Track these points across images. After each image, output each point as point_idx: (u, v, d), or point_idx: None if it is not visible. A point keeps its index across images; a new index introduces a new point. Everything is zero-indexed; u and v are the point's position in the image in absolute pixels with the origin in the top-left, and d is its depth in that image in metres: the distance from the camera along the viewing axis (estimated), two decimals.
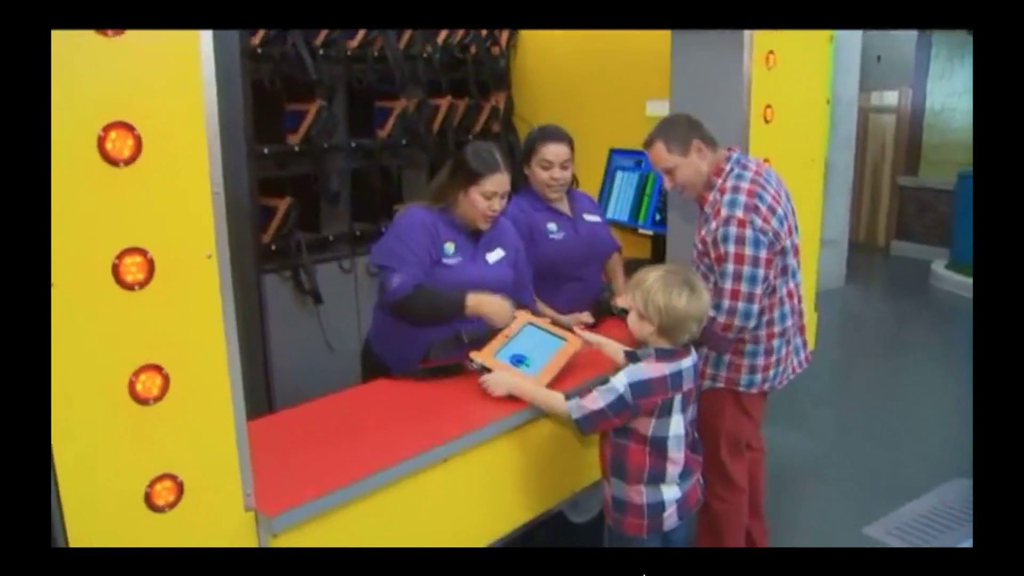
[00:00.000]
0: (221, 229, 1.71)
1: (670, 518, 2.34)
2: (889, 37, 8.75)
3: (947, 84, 8.89)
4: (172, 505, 1.72)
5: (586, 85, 4.36)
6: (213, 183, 1.69)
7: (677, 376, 2.26)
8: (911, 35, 8.79)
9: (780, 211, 2.62)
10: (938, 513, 3.67)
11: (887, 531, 3.53)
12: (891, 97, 9.19)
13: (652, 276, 2.25)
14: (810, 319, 3.91)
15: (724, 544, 2.87)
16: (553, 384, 2.56)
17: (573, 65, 4.45)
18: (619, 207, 4.00)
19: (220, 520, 1.83)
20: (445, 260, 2.79)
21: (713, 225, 2.57)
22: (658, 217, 3.80)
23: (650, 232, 3.87)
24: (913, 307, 7.44)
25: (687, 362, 2.30)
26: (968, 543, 3.38)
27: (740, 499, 2.87)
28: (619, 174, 4.06)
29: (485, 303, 2.71)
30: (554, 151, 3.18)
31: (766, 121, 3.38)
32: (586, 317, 3.11)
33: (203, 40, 1.63)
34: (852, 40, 7.28)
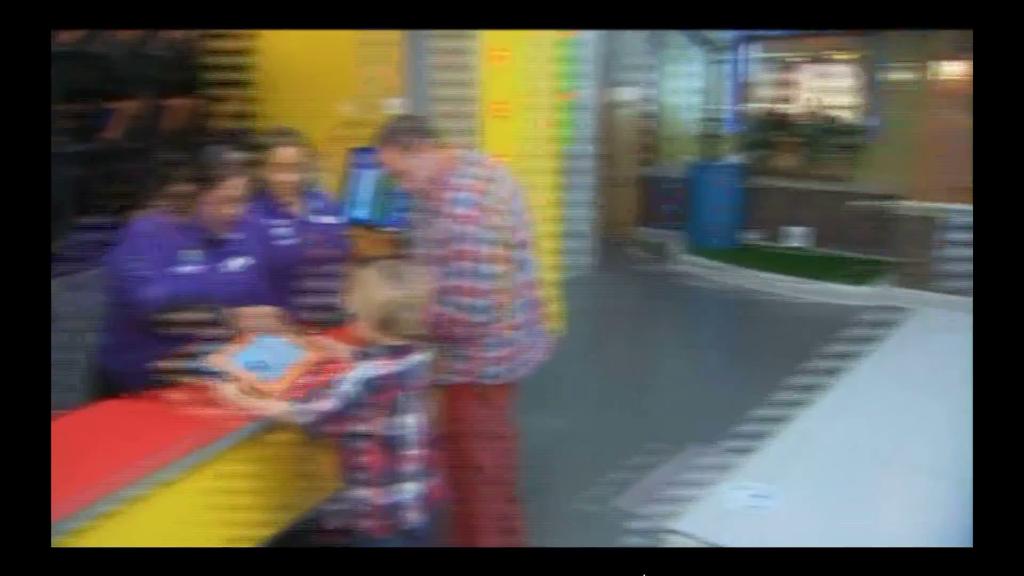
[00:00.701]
0: None
1: (412, 516, 2.36)
2: (625, 36, 9.31)
3: (676, 81, 9.59)
4: None
5: (326, 84, 4.30)
6: None
7: (407, 373, 2.28)
8: (643, 34, 9.41)
9: (510, 207, 2.70)
10: (681, 479, 3.95)
11: (636, 501, 3.76)
12: (629, 93, 9.76)
13: (362, 274, 2.28)
14: (555, 307, 4.09)
15: (477, 535, 2.93)
16: (290, 393, 2.49)
17: (312, 63, 4.37)
18: (361, 206, 3.99)
19: None
20: (184, 269, 2.66)
21: (444, 223, 2.61)
22: (399, 214, 3.82)
23: (392, 229, 3.88)
24: (656, 289, 7.97)
25: (416, 358, 2.32)
26: (703, 505, 3.66)
27: (491, 489, 2.94)
28: (360, 173, 4.04)
29: (247, 318, 2.64)
30: (284, 154, 3.11)
31: (500, 117, 3.48)
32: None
33: None
34: (591, 38, 7.65)
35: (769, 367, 5.61)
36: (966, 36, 6.46)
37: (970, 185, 6.74)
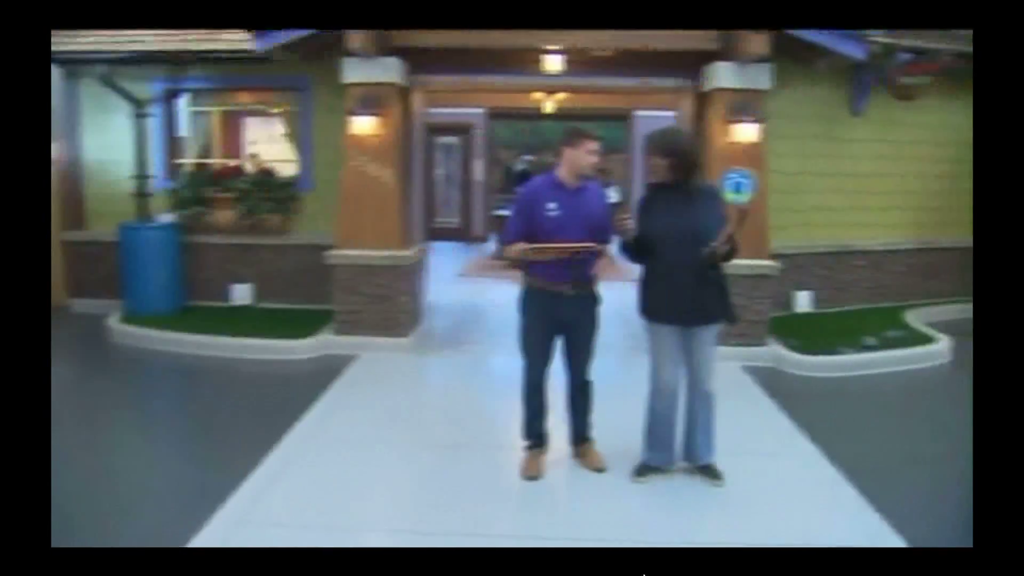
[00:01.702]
0: None
1: None
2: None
3: (102, 137, 8.85)
4: None
5: None
6: None
7: None
8: (59, 85, 8.56)
9: None
10: None
11: None
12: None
13: None
14: None
15: None
16: None
17: None
18: None
19: None
20: None
21: None
22: None
23: None
24: (93, 365, 7.23)
25: None
26: None
27: None
28: None
29: None
30: None
31: None
32: None
33: None
34: None
35: (214, 438, 5.36)
36: (387, 93, 6.94)
37: (394, 232, 7.22)
